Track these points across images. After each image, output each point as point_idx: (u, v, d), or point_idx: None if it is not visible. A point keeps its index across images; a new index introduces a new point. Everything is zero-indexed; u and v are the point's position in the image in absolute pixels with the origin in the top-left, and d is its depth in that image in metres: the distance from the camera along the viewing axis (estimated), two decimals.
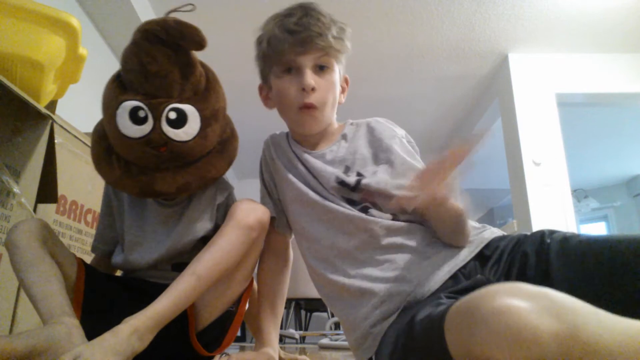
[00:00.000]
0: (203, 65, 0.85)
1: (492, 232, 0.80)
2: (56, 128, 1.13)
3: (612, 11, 2.68)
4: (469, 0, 2.61)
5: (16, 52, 1.00)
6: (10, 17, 1.02)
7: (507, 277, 0.70)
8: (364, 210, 0.82)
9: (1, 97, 0.99)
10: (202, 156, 0.85)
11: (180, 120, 0.78)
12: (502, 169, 3.27)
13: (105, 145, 0.84)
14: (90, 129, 1.49)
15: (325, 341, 2.41)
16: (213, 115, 0.83)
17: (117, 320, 0.68)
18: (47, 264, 0.76)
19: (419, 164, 0.87)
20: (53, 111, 1.15)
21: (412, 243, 0.77)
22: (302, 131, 0.92)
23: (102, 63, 2.61)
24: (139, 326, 0.67)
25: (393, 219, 0.80)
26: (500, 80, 3.25)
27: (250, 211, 0.82)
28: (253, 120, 4.02)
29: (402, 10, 2.69)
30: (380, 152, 0.87)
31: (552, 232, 0.71)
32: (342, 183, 0.84)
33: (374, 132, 0.91)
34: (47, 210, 1.16)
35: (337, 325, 2.87)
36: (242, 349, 2.49)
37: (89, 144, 1.37)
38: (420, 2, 2.62)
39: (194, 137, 0.80)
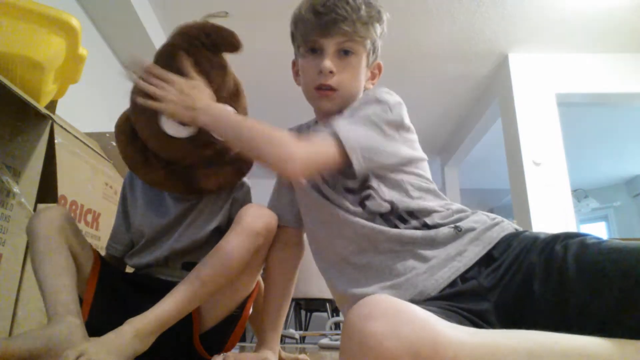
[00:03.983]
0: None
1: (502, 229, 0.72)
2: (56, 128, 1.13)
3: (612, 11, 2.68)
4: (469, 0, 2.61)
5: (16, 52, 0.99)
6: (10, 17, 1.02)
7: (506, 288, 0.63)
8: (363, 201, 0.78)
9: (1, 97, 0.99)
10: (236, 154, 0.89)
11: None
12: (502, 169, 3.27)
13: (140, 145, 0.86)
14: (90, 129, 1.49)
15: (325, 341, 2.41)
16: (244, 114, 0.87)
17: (125, 317, 0.69)
18: (62, 256, 0.77)
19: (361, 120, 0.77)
20: (53, 111, 1.15)
21: (409, 247, 0.74)
22: (317, 108, 0.91)
23: (102, 63, 2.61)
24: (141, 328, 0.67)
25: (391, 211, 0.76)
26: (500, 80, 3.25)
27: (257, 217, 0.81)
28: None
29: (402, 10, 2.69)
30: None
31: (567, 237, 0.61)
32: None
33: (363, 98, 0.85)
34: None
35: (337, 325, 2.87)
36: (242, 349, 2.48)
37: (89, 144, 1.37)
38: (420, 2, 2.62)
39: None
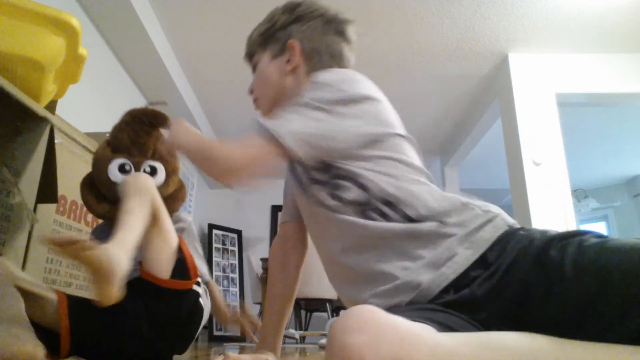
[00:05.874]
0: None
1: (496, 228, 0.64)
2: (56, 128, 1.13)
3: (612, 11, 2.68)
4: (469, 0, 2.61)
5: (16, 52, 0.99)
6: (10, 17, 1.02)
7: (501, 298, 0.58)
8: (335, 192, 0.73)
9: (1, 97, 0.99)
10: (165, 197, 1.15)
11: (153, 172, 1.18)
12: (502, 169, 3.27)
13: (96, 191, 1.17)
14: (90, 129, 1.49)
15: (325, 341, 2.41)
16: (173, 171, 1.23)
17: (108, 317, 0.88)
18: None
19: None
20: (53, 111, 1.15)
21: (395, 242, 0.67)
22: None
23: (102, 63, 2.61)
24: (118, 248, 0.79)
25: (368, 202, 0.70)
26: (500, 80, 3.25)
27: (140, 179, 1.00)
28: (246, 119, 4.00)
29: (402, 10, 2.69)
30: None
31: (563, 238, 0.57)
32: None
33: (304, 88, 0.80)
34: (47, 210, 1.16)
35: None
36: (242, 349, 2.48)
37: (89, 144, 1.37)
38: (420, 2, 2.62)
39: (162, 184, 1.18)
